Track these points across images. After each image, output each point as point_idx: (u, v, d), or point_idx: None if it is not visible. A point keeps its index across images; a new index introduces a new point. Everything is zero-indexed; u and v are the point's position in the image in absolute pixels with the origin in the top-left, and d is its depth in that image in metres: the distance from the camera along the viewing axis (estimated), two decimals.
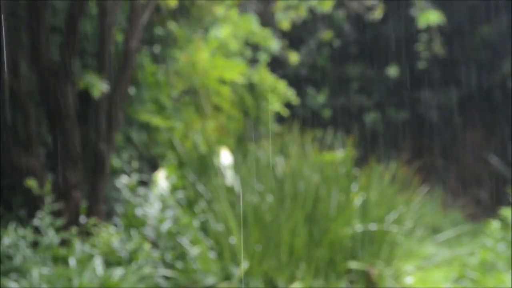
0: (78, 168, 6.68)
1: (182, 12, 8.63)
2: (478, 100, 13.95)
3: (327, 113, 13.78)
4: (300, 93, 11.04)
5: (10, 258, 5.79)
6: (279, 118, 9.82)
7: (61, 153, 6.64)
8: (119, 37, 7.27)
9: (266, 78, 9.49)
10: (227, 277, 6.79)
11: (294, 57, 10.67)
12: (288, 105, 9.74)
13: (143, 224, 6.66)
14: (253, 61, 10.19)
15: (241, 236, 7.06)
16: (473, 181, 13.93)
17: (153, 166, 7.86)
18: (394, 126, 14.22)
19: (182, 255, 6.53)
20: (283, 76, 10.54)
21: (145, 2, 7.10)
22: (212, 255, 6.78)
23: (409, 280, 7.51)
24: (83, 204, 6.75)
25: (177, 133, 8.21)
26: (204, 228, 7.06)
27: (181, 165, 7.84)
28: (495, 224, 7.74)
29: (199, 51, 8.67)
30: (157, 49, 8.41)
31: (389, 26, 13.89)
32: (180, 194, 7.05)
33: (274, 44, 9.93)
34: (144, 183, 7.36)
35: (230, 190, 7.50)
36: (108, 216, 7.06)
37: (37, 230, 6.05)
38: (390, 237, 7.55)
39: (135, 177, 7.07)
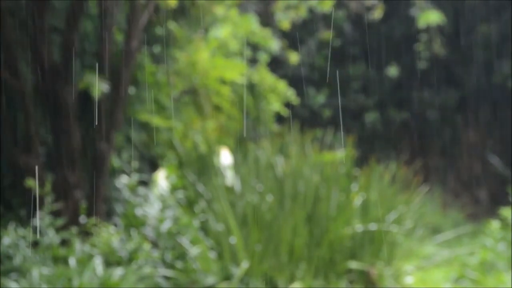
0: (78, 168, 6.68)
1: (182, 12, 8.63)
2: (478, 100, 13.95)
3: (327, 113, 13.78)
4: (300, 93, 11.03)
5: (10, 258, 5.79)
6: (279, 118, 9.82)
7: (61, 153, 6.64)
8: (119, 37, 7.27)
9: (266, 78, 9.48)
10: (227, 277, 6.79)
11: (294, 57, 10.66)
12: (288, 105, 9.74)
13: (143, 224, 6.66)
14: (253, 61, 10.19)
15: (241, 236, 7.06)
16: (473, 181, 13.92)
17: (153, 166, 7.85)
18: (394, 126, 14.22)
19: (182, 255, 6.53)
20: (283, 76, 10.54)
21: (145, 2, 7.10)
22: (212, 255, 6.78)
23: (409, 280, 7.51)
24: (83, 204, 6.75)
25: (177, 133, 8.20)
26: (204, 228, 7.06)
27: (181, 165, 7.83)
28: (495, 224, 7.74)
29: (199, 51, 8.66)
30: (157, 49, 8.41)
31: (389, 26, 13.89)
32: (180, 194, 7.05)
33: (274, 44, 9.92)
34: (144, 183, 7.36)
35: (230, 190, 7.50)
36: (108, 216, 7.06)
37: (37, 230, 6.05)
38: (390, 237, 7.55)
39: (135, 177, 7.07)
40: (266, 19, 10.39)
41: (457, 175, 14.13)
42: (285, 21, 9.98)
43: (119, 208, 7.13)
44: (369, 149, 12.33)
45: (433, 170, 13.57)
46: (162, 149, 8.03)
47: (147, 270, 6.14)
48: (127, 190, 6.96)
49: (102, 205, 6.86)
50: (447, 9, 12.11)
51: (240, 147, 8.42)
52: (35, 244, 5.99)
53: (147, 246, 6.28)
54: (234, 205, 7.30)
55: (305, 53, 13.83)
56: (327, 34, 13.21)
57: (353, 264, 7.24)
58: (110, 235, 6.27)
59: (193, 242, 6.64)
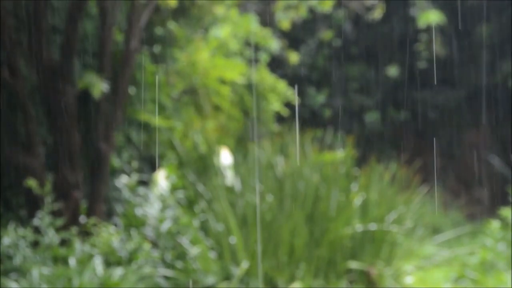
0: (78, 168, 6.68)
1: (182, 12, 8.63)
2: (478, 100, 13.95)
3: (327, 113, 13.78)
4: (300, 93, 11.03)
5: (10, 258, 5.79)
6: (279, 118, 9.82)
7: (61, 153, 6.64)
8: (119, 37, 7.27)
9: (266, 78, 9.49)
10: (227, 277, 6.79)
11: (294, 57, 10.67)
12: (288, 105, 9.74)
13: (143, 224, 6.66)
14: (253, 61, 10.19)
15: (241, 236, 7.06)
16: (473, 181, 13.92)
17: (153, 166, 7.86)
18: (394, 126, 14.21)
19: (182, 255, 6.53)
20: (283, 76, 10.54)
21: (145, 2, 7.10)
22: (212, 255, 6.78)
23: (409, 280, 7.51)
24: (83, 204, 6.75)
25: (177, 133, 8.20)
26: (204, 228, 7.06)
27: (181, 165, 7.83)
28: (495, 224, 7.74)
29: (199, 51, 8.67)
30: (157, 49, 8.41)
31: (389, 26, 13.89)
32: (180, 194, 7.05)
33: (274, 44, 9.93)
34: (144, 183, 7.36)
35: (230, 190, 7.50)
36: (108, 216, 7.06)
37: (37, 230, 6.05)
38: (390, 237, 7.56)
39: (135, 177, 7.07)
40: (266, 19, 10.39)
41: (457, 175, 14.14)
42: (285, 21, 9.99)
43: (119, 208, 7.13)
44: (369, 149, 12.33)
45: (433, 170, 13.57)
46: (162, 149, 8.03)
47: (147, 270, 6.14)
48: (127, 190, 6.96)
49: (102, 205, 6.86)
50: (447, 9, 12.11)
51: (240, 147, 8.42)
52: (35, 244, 5.99)
53: (147, 246, 6.28)
54: (234, 205, 7.31)
55: (305, 53, 13.83)
56: (327, 34, 13.21)
57: (353, 264, 7.24)
58: (110, 235, 6.27)
59: (193, 242, 6.64)
